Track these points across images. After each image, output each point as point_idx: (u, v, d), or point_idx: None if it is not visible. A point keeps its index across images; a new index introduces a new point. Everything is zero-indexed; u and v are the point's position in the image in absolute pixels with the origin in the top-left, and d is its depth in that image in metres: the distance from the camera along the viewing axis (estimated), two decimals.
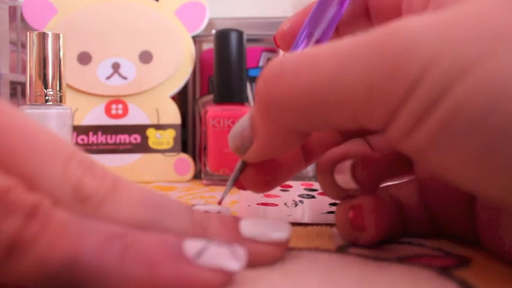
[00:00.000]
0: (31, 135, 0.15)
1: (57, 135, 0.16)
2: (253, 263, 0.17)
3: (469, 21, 0.14)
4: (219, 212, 0.21)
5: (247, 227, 0.18)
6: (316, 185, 0.40)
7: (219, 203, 0.25)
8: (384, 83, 0.14)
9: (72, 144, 0.16)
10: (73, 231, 0.14)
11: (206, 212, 0.19)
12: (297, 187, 0.39)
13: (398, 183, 0.24)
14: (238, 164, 0.23)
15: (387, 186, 0.24)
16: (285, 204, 0.32)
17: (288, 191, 0.37)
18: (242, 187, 0.23)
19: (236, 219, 0.19)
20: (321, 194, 0.36)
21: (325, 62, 0.16)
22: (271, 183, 0.23)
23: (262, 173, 0.23)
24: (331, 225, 0.26)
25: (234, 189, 0.42)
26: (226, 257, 0.15)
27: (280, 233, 0.18)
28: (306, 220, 0.27)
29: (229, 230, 0.18)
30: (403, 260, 0.19)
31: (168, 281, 0.14)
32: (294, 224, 0.25)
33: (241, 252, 0.15)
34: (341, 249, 0.21)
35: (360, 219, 0.20)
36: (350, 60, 0.15)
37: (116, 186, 0.16)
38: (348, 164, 0.21)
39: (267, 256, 0.18)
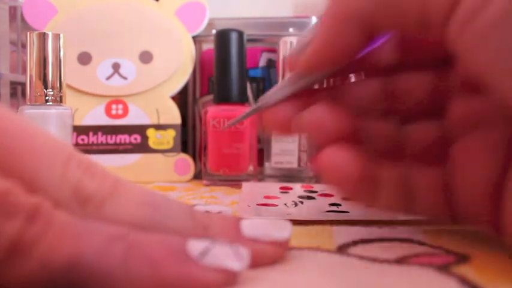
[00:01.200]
0: (29, 137, 0.15)
1: (55, 137, 0.16)
2: (255, 263, 0.17)
3: None
4: (220, 212, 0.21)
5: (249, 227, 0.18)
6: (316, 187, 0.40)
7: (229, 125, 0.26)
8: None
9: (70, 146, 0.17)
10: (74, 232, 0.14)
11: (207, 212, 0.19)
12: (296, 189, 0.39)
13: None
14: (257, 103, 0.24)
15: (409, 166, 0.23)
16: (285, 204, 0.32)
17: (287, 192, 0.37)
18: (265, 123, 0.23)
19: (237, 219, 0.19)
20: (321, 195, 0.36)
21: None
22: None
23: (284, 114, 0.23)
24: (331, 224, 0.26)
25: (234, 190, 0.42)
26: (229, 257, 0.15)
27: (281, 233, 0.18)
28: (305, 217, 0.27)
29: (230, 229, 0.18)
30: (402, 259, 0.19)
31: (171, 281, 0.14)
32: (294, 223, 0.25)
33: (244, 252, 0.15)
34: (341, 249, 0.21)
35: None
36: None
37: (116, 187, 0.16)
38: None
39: (268, 256, 0.18)
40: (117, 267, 0.14)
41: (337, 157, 0.21)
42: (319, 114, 0.21)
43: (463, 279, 0.16)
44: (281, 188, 0.39)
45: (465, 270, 0.18)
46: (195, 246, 0.15)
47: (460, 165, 0.21)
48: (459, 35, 0.17)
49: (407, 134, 0.23)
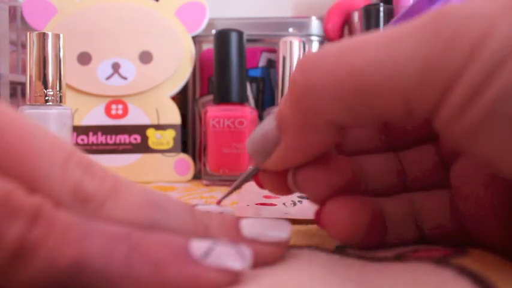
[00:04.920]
0: (29, 136, 0.15)
1: (55, 135, 0.16)
2: (255, 263, 0.17)
3: None
4: (221, 213, 0.21)
5: (248, 227, 0.18)
6: None
7: (218, 202, 0.25)
8: (441, 54, 0.14)
9: (70, 144, 0.16)
10: (77, 234, 0.14)
11: (207, 211, 0.19)
12: None
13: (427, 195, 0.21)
14: (250, 169, 0.21)
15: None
16: (284, 204, 0.32)
17: None
18: (260, 185, 0.22)
19: (237, 219, 0.19)
20: None
21: (373, 44, 0.15)
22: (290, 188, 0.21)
23: (281, 177, 0.21)
24: None
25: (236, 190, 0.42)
26: (232, 257, 0.15)
27: (280, 233, 0.18)
28: (304, 217, 0.27)
29: (230, 229, 0.18)
30: (401, 255, 0.19)
31: (175, 281, 0.14)
32: (293, 222, 0.25)
33: (247, 252, 0.15)
34: (340, 249, 0.21)
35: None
36: (401, 39, 0.15)
37: (116, 187, 0.16)
38: None
39: (267, 256, 0.18)
40: (121, 268, 0.14)
41: (341, 213, 0.19)
42: (311, 171, 0.20)
43: (461, 269, 0.16)
44: None
45: (464, 261, 0.17)
46: (198, 246, 0.15)
47: (457, 188, 0.20)
48: (448, 128, 0.15)
49: (406, 163, 0.22)
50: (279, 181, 0.21)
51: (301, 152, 0.18)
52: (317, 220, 0.20)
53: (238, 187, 0.23)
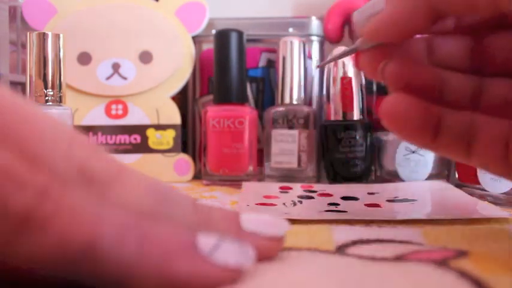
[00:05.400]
0: (33, 118, 0.15)
1: (57, 119, 0.16)
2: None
3: None
4: (220, 208, 0.21)
5: (248, 221, 0.19)
6: (315, 187, 0.40)
7: (318, 66, 0.27)
8: None
9: (73, 128, 0.16)
10: (89, 214, 0.14)
11: (209, 205, 0.19)
12: (296, 189, 0.39)
13: None
14: (354, 45, 0.24)
15: None
16: (284, 204, 0.32)
17: (287, 192, 0.37)
18: (357, 63, 0.24)
19: (237, 213, 0.19)
20: (320, 195, 0.36)
21: None
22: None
23: (375, 61, 0.23)
24: (330, 223, 0.26)
25: (234, 190, 0.42)
26: (238, 254, 0.15)
27: (277, 229, 0.19)
28: (303, 217, 0.27)
29: (230, 222, 0.18)
30: (401, 256, 0.19)
31: (184, 275, 0.14)
32: (293, 222, 0.25)
33: (250, 250, 0.16)
34: (340, 249, 0.21)
35: None
36: None
37: (121, 171, 0.16)
38: None
39: (265, 250, 0.18)
40: (132, 255, 0.14)
41: (397, 103, 0.21)
42: (399, 64, 0.22)
43: (462, 273, 0.16)
44: (281, 187, 0.39)
45: (464, 263, 0.17)
46: (206, 241, 0.15)
47: None
48: None
49: (483, 88, 0.23)
50: (372, 63, 0.23)
51: (397, 24, 0.21)
52: (376, 108, 0.22)
53: (338, 58, 0.28)
